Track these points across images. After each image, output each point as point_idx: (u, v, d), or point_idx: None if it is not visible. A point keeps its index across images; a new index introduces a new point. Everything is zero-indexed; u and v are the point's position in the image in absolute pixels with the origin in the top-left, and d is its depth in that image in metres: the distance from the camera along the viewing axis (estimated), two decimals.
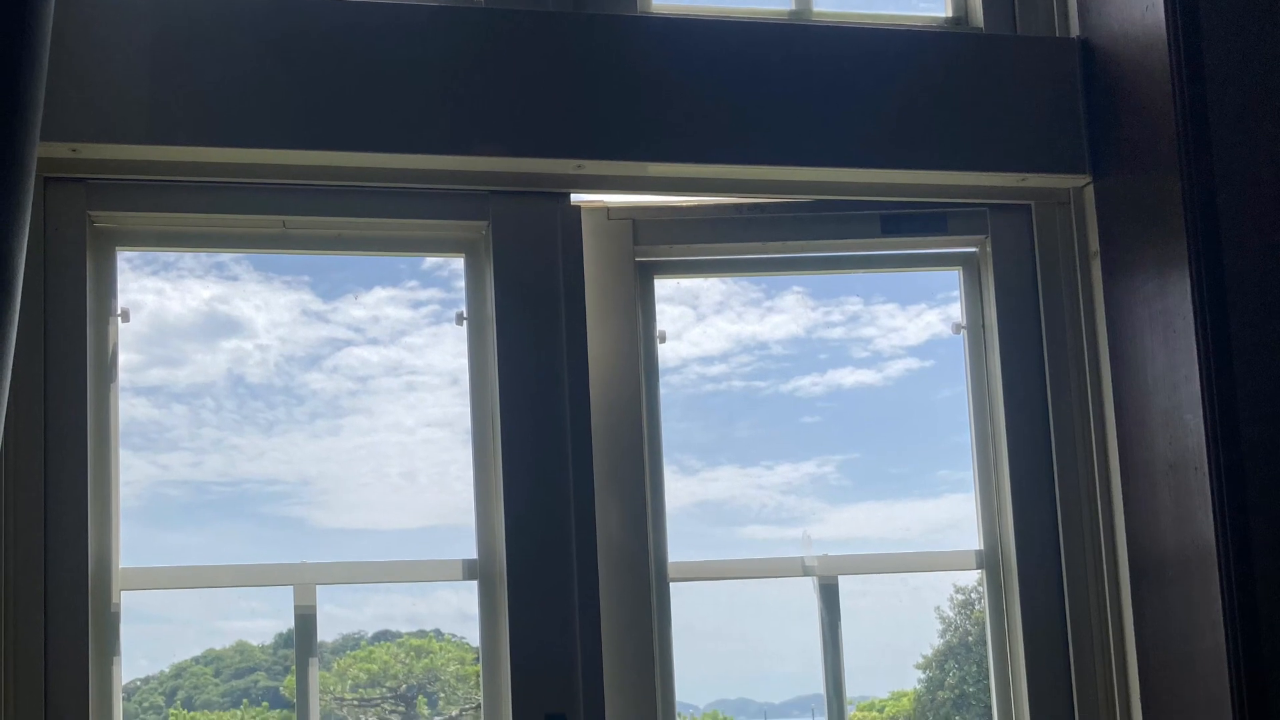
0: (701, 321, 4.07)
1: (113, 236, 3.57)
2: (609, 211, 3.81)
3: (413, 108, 3.51)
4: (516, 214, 3.66)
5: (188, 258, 3.76)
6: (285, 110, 3.45)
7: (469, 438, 3.72)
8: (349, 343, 3.97)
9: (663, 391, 3.87)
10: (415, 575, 3.79)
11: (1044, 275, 3.93)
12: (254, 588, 3.75)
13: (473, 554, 3.64)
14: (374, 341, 3.97)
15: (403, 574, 3.78)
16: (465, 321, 3.74)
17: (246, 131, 3.43)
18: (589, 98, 3.62)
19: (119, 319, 3.57)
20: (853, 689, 3.86)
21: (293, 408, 4.03)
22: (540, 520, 3.53)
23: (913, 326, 4.24)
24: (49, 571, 3.30)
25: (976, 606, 3.84)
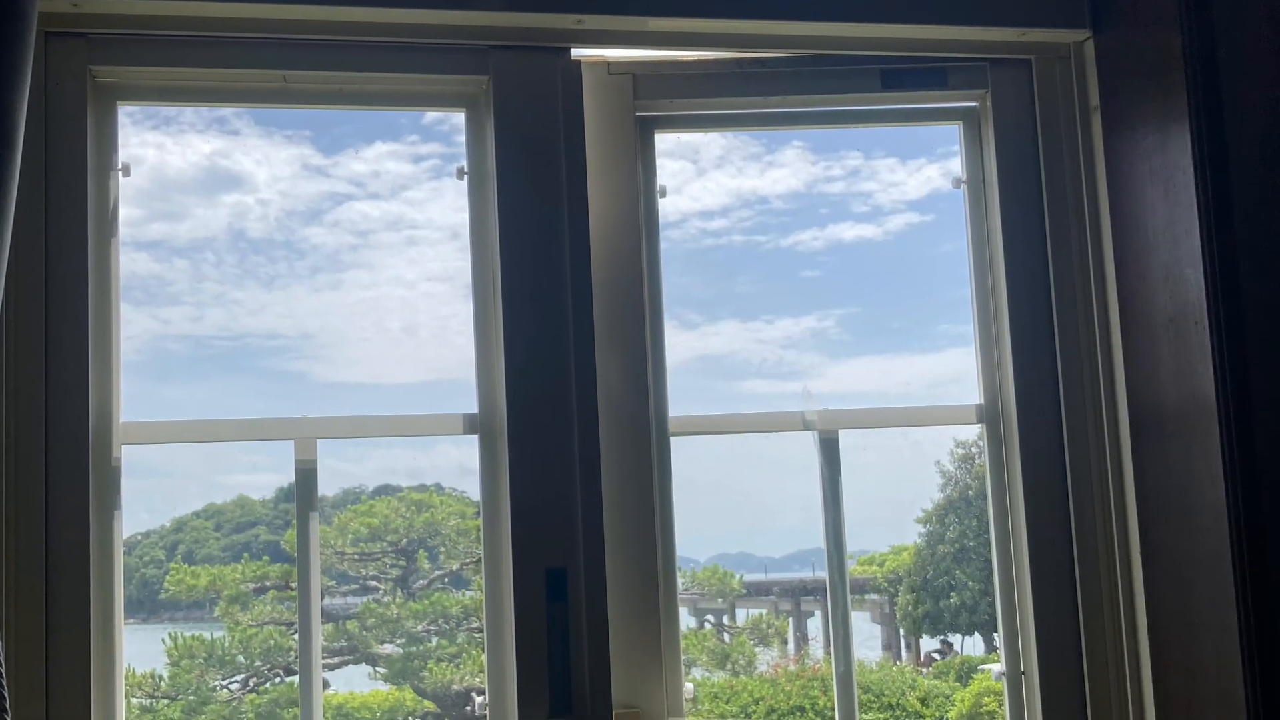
0: (702, 176, 4.08)
1: (114, 91, 3.55)
2: (609, 66, 3.79)
3: None
4: (517, 68, 3.64)
5: (189, 112, 3.75)
6: None
7: (469, 292, 3.72)
8: (350, 197, 3.98)
9: (663, 246, 3.86)
10: (416, 429, 3.80)
11: (1044, 130, 3.91)
12: (254, 442, 3.75)
13: (473, 408, 3.65)
14: (375, 196, 3.98)
15: (403, 428, 3.80)
16: (466, 176, 3.73)
17: None
18: None
19: (120, 174, 3.56)
20: (853, 543, 3.89)
21: (294, 262, 4.04)
22: (541, 375, 3.53)
23: (913, 181, 4.25)
24: (50, 426, 3.31)
25: (977, 461, 3.87)
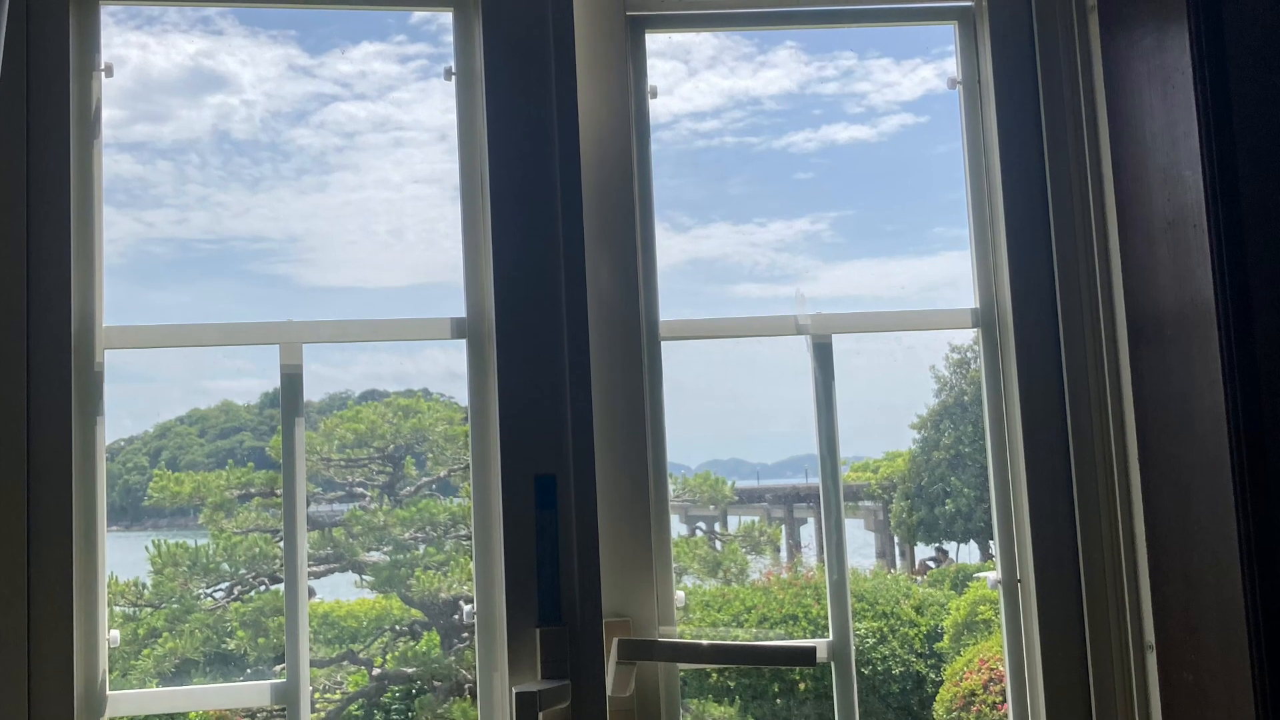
0: (693, 77, 4.02)
1: None
2: None
3: None
4: None
5: (172, 11, 3.72)
6: None
7: (457, 195, 3.67)
8: (336, 98, 3.92)
9: (654, 148, 3.81)
10: (403, 334, 3.76)
11: (1041, 29, 3.86)
12: (239, 347, 3.72)
13: (461, 312, 3.60)
14: (361, 97, 3.93)
15: (390, 332, 3.76)
16: (454, 77, 3.67)
17: None
18: None
19: (102, 74, 3.52)
20: (847, 449, 3.85)
21: (279, 164, 3.99)
22: (530, 278, 3.49)
23: (907, 82, 4.20)
24: (31, 330, 3.28)
25: (972, 365, 3.82)
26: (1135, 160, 3.57)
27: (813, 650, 3.60)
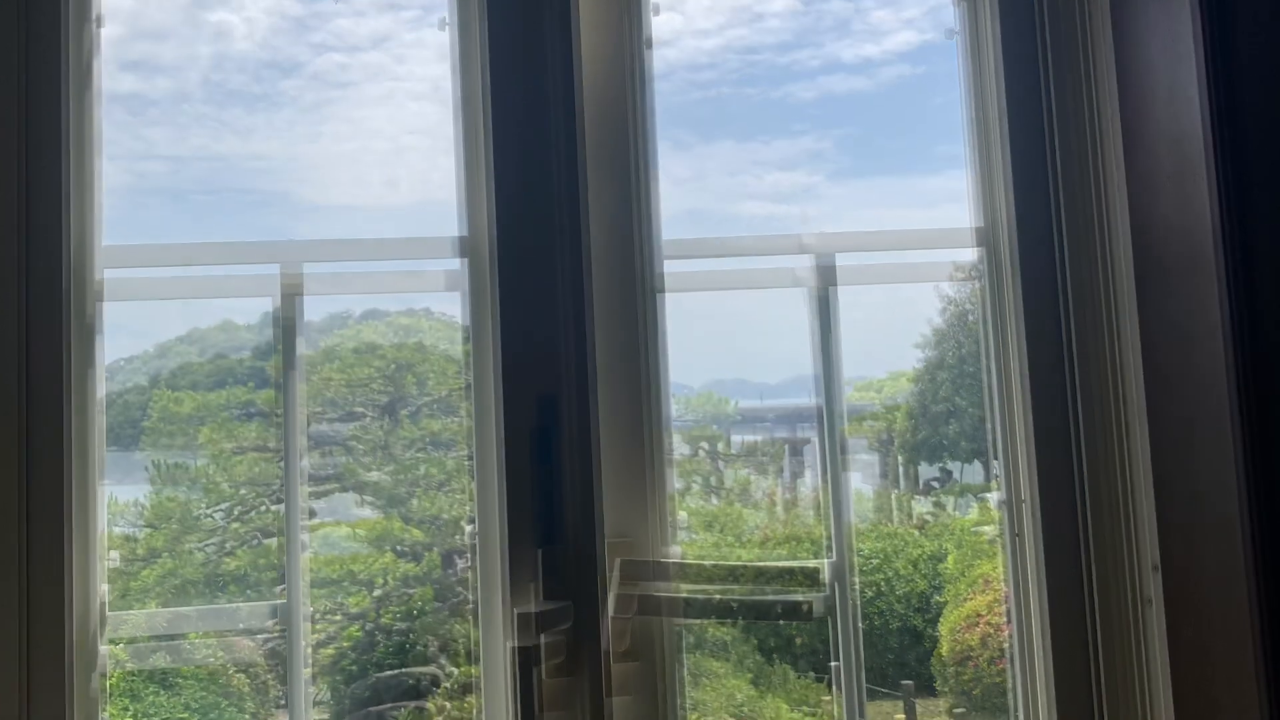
0: None
1: None
2: None
3: None
4: None
5: None
6: None
7: (458, 113, 3.64)
8: (337, 15, 3.88)
9: (657, 69, 3.78)
10: (403, 253, 3.74)
11: None
12: (239, 265, 3.70)
13: (463, 231, 3.58)
14: (360, 14, 3.88)
15: (391, 251, 3.74)
16: None
17: None
18: None
19: None
20: (850, 369, 3.82)
21: (278, 82, 3.94)
22: (529, 197, 3.46)
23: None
24: (29, 248, 3.27)
25: (977, 284, 3.79)
26: (1138, 79, 3.54)
27: (816, 570, 3.59)
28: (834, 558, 3.70)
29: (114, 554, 3.54)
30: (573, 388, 3.40)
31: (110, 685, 3.48)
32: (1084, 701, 3.69)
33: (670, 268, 3.70)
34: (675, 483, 3.69)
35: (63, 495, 3.25)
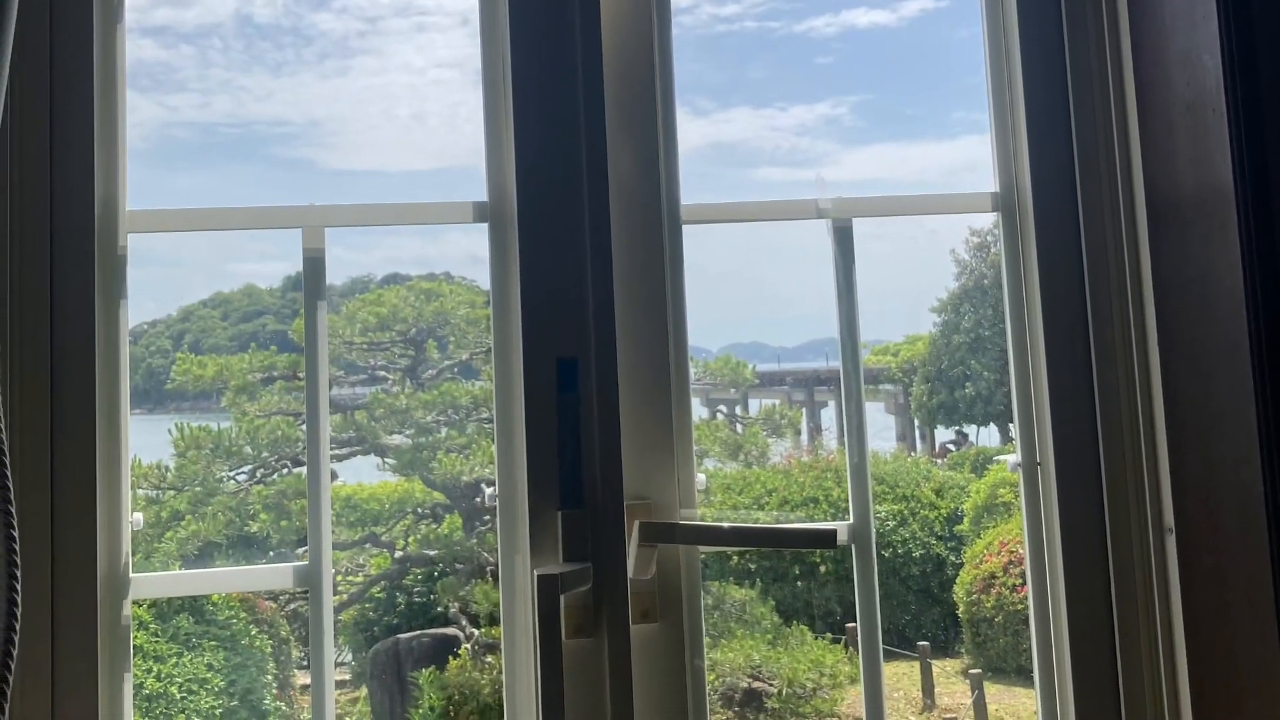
0: None
1: None
2: None
3: None
4: None
5: None
6: None
7: (479, 79, 3.66)
8: None
9: (675, 32, 3.79)
10: (425, 217, 3.77)
11: None
12: (262, 230, 3.72)
13: (483, 196, 3.60)
14: None
15: (412, 216, 3.76)
16: None
17: None
18: None
19: None
20: (867, 333, 3.85)
21: (301, 49, 3.96)
22: (552, 162, 3.48)
23: None
24: (55, 214, 3.29)
25: (992, 249, 3.81)
26: (1154, 44, 3.55)
27: (833, 533, 3.61)
28: (852, 520, 3.72)
29: (137, 516, 3.57)
30: (594, 350, 3.43)
31: (134, 646, 3.51)
32: (1104, 663, 3.71)
33: (689, 233, 3.72)
34: (695, 445, 3.71)
35: (91, 459, 3.27)
